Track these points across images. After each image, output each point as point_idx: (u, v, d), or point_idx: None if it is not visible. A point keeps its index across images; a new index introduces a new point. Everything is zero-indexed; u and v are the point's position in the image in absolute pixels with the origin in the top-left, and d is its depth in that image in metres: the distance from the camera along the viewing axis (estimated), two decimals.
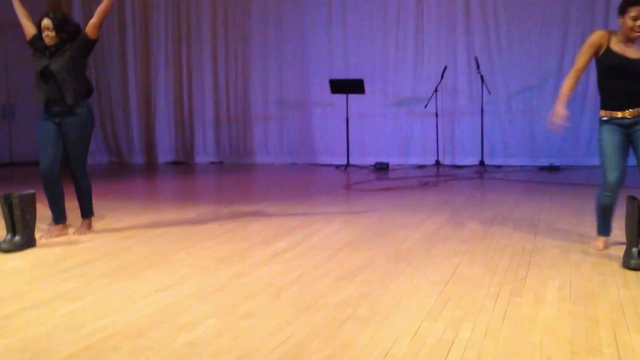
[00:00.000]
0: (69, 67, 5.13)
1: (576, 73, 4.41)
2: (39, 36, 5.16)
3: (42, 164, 5.14)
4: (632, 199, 4.09)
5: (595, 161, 9.51)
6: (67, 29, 5.18)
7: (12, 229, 4.80)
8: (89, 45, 5.34)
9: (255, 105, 11.52)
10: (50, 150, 5.12)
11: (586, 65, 4.39)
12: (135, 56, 12.02)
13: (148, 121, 12.05)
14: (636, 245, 4.03)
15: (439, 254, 4.49)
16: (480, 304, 3.37)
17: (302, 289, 3.70)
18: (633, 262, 3.98)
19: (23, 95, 11.78)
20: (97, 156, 12.23)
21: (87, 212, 5.45)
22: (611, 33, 4.30)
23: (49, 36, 5.10)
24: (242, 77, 11.58)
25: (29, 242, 4.84)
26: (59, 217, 5.33)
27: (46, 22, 5.10)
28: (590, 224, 5.42)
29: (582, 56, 4.37)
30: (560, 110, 4.29)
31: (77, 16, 11.98)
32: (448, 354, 2.72)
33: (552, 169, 9.52)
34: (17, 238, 4.78)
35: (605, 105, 4.34)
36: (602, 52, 4.29)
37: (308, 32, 11.12)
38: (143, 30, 11.96)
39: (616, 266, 4.06)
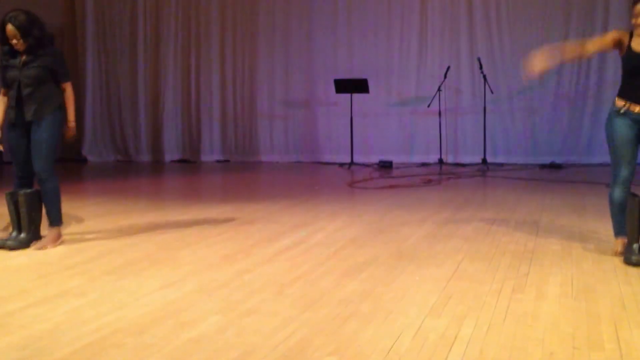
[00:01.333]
0: (38, 80, 4.74)
1: (582, 43, 4.28)
2: (7, 50, 4.74)
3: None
4: (633, 195, 4.10)
5: (597, 159, 9.57)
6: (34, 33, 4.65)
7: (17, 226, 4.83)
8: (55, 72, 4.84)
9: (261, 105, 11.57)
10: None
11: (594, 52, 4.33)
12: (144, 56, 12.09)
13: (155, 120, 12.10)
14: (637, 241, 4.04)
15: (442, 251, 4.51)
16: (483, 300, 3.39)
17: (306, 286, 3.72)
18: (634, 257, 3.99)
19: None
20: (104, 154, 12.30)
21: (53, 219, 4.88)
22: (633, 32, 4.15)
23: (18, 44, 4.65)
24: (248, 76, 11.64)
25: (34, 240, 4.86)
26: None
27: (9, 28, 4.61)
28: (591, 220, 5.45)
29: (597, 42, 4.26)
30: (540, 59, 4.24)
31: (89, 21, 12.08)
32: (450, 350, 2.73)
33: (554, 167, 9.53)
34: (22, 235, 4.80)
35: (624, 94, 4.16)
36: (623, 50, 4.15)
37: (313, 32, 11.16)
38: (153, 30, 12.02)
39: (617, 262, 4.07)
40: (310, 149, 11.30)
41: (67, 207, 6.75)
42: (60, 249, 4.79)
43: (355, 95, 10.39)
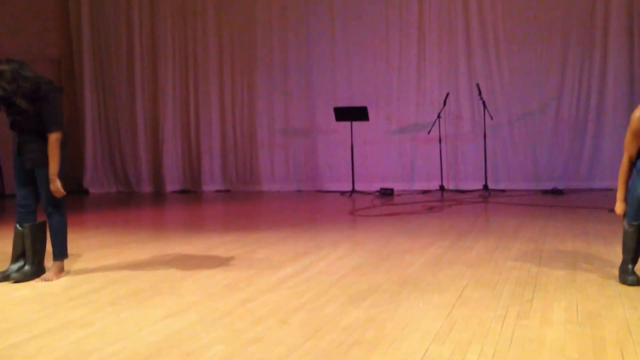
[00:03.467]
0: (28, 130, 4.73)
1: (628, 163, 4.17)
2: None
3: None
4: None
5: (598, 184, 9.61)
6: (5, 87, 4.56)
7: (16, 258, 4.82)
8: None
9: (261, 134, 11.62)
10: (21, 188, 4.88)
11: (637, 151, 4.14)
12: (142, 86, 12.18)
13: (155, 150, 12.15)
14: (632, 262, 4.10)
15: (445, 277, 4.50)
16: (487, 326, 3.38)
17: (309, 314, 3.71)
18: (630, 278, 4.05)
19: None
20: (105, 186, 12.32)
21: (58, 253, 4.90)
22: None
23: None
24: (247, 105, 11.71)
25: (38, 272, 4.86)
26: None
27: None
28: (594, 245, 5.45)
29: (630, 145, 4.14)
30: (620, 208, 4.18)
31: (86, 53, 12.19)
32: None
33: (556, 192, 9.54)
34: (27, 267, 4.80)
35: None
36: None
37: (312, 60, 11.26)
38: (150, 60, 12.13)
39: (622, 287, 4.06)
40: (311, 178, 11.33)
41: (70, 238, 6.76)
42: (63, 280, 4.79)
43: (355, 123, 10.46)
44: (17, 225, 4.83)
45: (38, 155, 4.76)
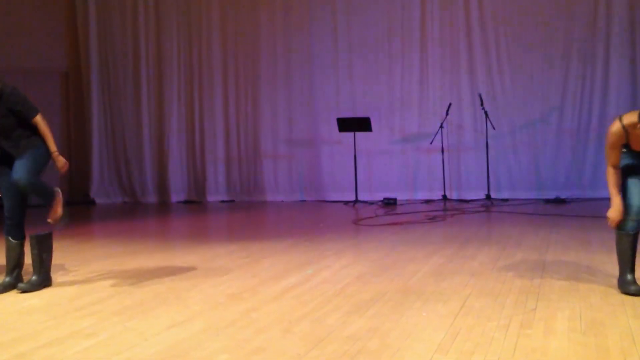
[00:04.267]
0: (7, 129, 4.68)
1: (614, 170, 4.19)
2: None
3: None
4: (618, 228, 4.20)
5: (601, 193, 9.58)
6: None
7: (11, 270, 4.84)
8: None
9: (265, 144, 11.67)
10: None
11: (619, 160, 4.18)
12: (148, 97, 12.24)
13: (161, 161, 12.20)
14: (630, 272, 4.13)
15: (448, 287, 4.52)
16: (491, 336, 3.39)
17: (313, 324, 3.73)
18: (633, 288, 4.07)
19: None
20: (111, 196, 12.36)
21: (49, 197, 4.79)
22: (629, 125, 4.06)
23: None
24: (252, 117, 11.76)
25: (45, 281, 4.89)
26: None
27: None
28: (597, 254, 5.46)
29: (610, 157, 4.16)
30: (615, 214, 4.17)
31: (93, 64, 12.27)
32: None
33: (558, 201, 9.55)
34: (34, 278, 4.83)
35: None
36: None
37: (315, 72, 11.31)
38: (156, 72, 12.20)
39: (625, 296, 4.07)
40: (315, 188, 11.35)
41: (76, 248, 6.85)
42: (70, 290, 4.82)
43: (358, 134, 10.49)
44: (10, 238, 4.81)
45: (25, 143, 4.70)
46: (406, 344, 3.32)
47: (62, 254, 6.31)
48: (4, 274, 4.88)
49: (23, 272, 4.92)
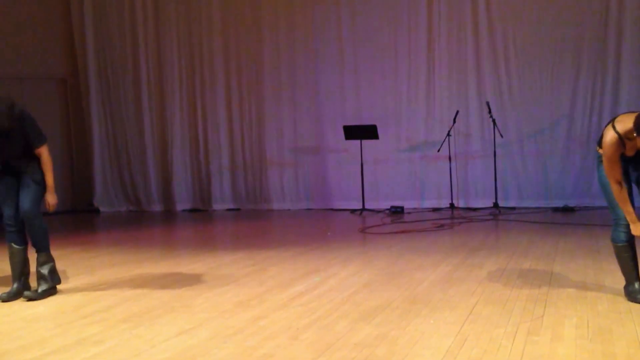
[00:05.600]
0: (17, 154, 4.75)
1: (619, 186, 4.05)
2: None
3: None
4: (612, 240, 4.23)
5: None
6: None
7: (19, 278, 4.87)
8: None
9: (270, 152, 11.65)
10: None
11: (622, 174, 4.07)
12: (150, 104, 12.23)
13: (165, 169, 12.21)
14: (636, 280, 4.12)
15: (456, 294, 4.51)
16: (498, 343, 3.38)
17: (320, 331, 3.73)
18: None
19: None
20: (115, 205, 12.37)
21: (40, 247, 4.93)
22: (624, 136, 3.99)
23: None
24: (256, 124, 11.75)
25: (50, 290, 4.91)
26: None
27: None
28: (605, 262, 5.44)
29: (612, 172, 4.05)
30: (635, 230, 4.07)
31: (92, 71, 12.31)
32: None
33: (567, 210, 9.50)
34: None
35: None
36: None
37: (321, 79, 11.30)
38: (157, 80, 12.20)
39: (633, 304, 4.05)
40: (321, 196, 11.33)
41: (82, 257, 6.87)
42: (76, 298, 4.83)
43: (365, 141, 10.49)
44: (12, 244, 4.83)
45: (30, 170, 4.79)
46: (414, 351, 3.31)
47: (67, 262, 6.35)
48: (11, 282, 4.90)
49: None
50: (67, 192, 12.02)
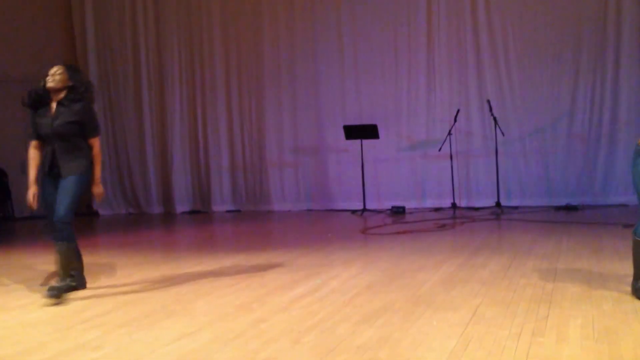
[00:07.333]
0: (68, 136, 4.88)
1: None
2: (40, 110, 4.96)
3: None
4: (634, 233, 4.14)
5: (613, 199, 9.52)
6: (76, 77, 4.96)
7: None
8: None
9: (270, 153, 11.62)
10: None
11: None
12: (150, 107, 12.20)
13: (165, 171, 12.17)
14: None
15: (459, 295, 4.46)
16: (503, 344, 3.34)
17: (322, 334, 3.69)
18: None
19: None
20: (115, 207, 12.34)
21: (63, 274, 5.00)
22: None
23: (55, 78, 4.89)
24: (256, 124, 11.71)
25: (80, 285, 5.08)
26: None
27: (54, 68, 4.96)
28: (609, 261, 5.39)
29: None
30: None
31: (92, 72, 12.26)
32: None
33: (569, 208, 9.45)
34: (59, 284, 4.92)
35: None
36: None
37: (320, 78, 11.26)
38: (157, 81, 12.17)
39: (638, 304, 4.01)
40: (322, 197, 11.29)
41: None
42: (75, 303, 4.79)
43: (365, 141, 10.45)
44: (66, 242, 4.89)
45: (75, 165, 4.87)
46: (417, 353, 3.27)
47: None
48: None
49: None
50: None
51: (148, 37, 12.13)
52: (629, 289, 4.30)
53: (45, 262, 6.80)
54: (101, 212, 12.24)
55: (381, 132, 10.29)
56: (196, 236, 9.26)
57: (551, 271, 5.12)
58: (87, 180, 4.94)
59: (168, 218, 11.47)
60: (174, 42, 12.03)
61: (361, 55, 11.00)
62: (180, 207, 12.00)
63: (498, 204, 9.73)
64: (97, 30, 12.35)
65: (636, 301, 4.06)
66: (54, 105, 4.91)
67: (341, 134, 10.56)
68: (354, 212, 10.46)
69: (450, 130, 9.93)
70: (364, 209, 10.32)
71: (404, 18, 10.77)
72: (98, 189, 5.04)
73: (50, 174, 4.91)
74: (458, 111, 10.01)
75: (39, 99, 4.92)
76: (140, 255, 7.08)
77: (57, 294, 4.75)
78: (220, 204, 11.85)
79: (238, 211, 11.69)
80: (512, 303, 4.17)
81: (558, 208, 9.58)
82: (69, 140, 4.86)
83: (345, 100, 11.12)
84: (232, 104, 11.81)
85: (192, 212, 11.88)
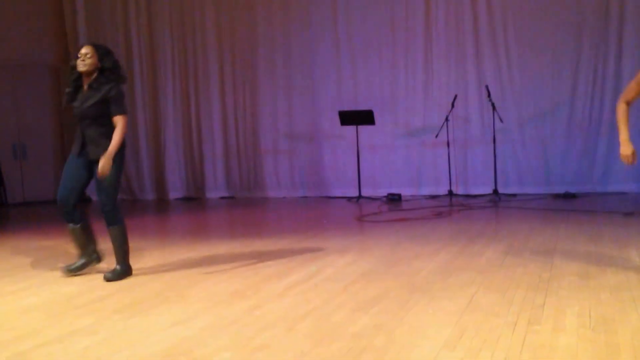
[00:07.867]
0: (96, 117, 4.93)
1: (626, 106, 4.32)
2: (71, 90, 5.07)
3: None
4: None
5: (612, 187, 9.49)
6: (108, 58, 4.99)
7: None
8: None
9: (264, 139, 11.54)
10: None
11: (635, 99, 4.31)
12: (143, 93, 12.09)
13: (158, 158, 12.09)
14: None
15: (455, 283, 4.45)
16: (498, 332, 3.32)
17: (317, 321, 3.67)
18: None
19: (34, 135, 11.90)
20: None
21: (118, 260, 5.15)
22: None
23: (85, 61, 4.91)
24: (250, 110, 11.62)
25: (128, 271, 5.10)
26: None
27: (85, 47, 4.99)
28: (607, 250, 5.38)
29: (631, 92, 4.32)
30: (626, 150, 4.21)
31: (81, 30, 12.12)
32: None
33: (568, 196, 9.42)
34: (118, 267, 5.05)
35: None
36: None
37: (316, 64, 11.16)
38: (150, 66, 12.05)
39: (636, 293, 3.99)
40: (317, 184, 11.23)
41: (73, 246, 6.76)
42: (69, 289, 4.76)
43: (361, 127, 10.38)
44: (71, 225, 5.14)
45: (104, 145, 4.87)
46: (412, 341, 3.25)
47: (58, 252, 6.30)
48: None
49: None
50: (58, 181, 11.91)
51: (140, 22, 11.97)
52: (627, 277, 4.28)
53: (38, 247, 6.79)
54: (94, 198, 12.16)
55: (377, 118, 10.20)
56: (190, 223, 9.23)
57: (548, 259, 5.11)
58: (119, 161, 4.95)
59: (161, 204, 11.42)
60: (167, 27, 11.89)
61: (357, 40, 10.88)
62: (174, 193, 11.93)
63: (495, 192, 9.70)
64: (88, 14, 12.15)
65: (634, 290, 4.04)
66: (85, 87, 4.98)
67: (336, 120, 10.47)
68: (349, 199, 10.43)
69: (447, 117, 9.88)
70: (360, 196, 10.28)
71: (401, 3, 10.63)
72: (107, 161, 4.80)
73: (80, 154, 4.99)
74: (455, 97, 9.96)
75: (75, 84, 5.03)
76: (133, 242, 6.96)
77: (112, 278, 4.95)
78: (214, 191, 11.78)
79: (232, 198, 11.63)
80: (509, 291, 4.15)
81: (556, 196, 9.55)
82: (98, 123, 4.91)
83: (341, 85, 11.02)
84: (226, 90, 11.71)
85: (186, 199, 11.81)
